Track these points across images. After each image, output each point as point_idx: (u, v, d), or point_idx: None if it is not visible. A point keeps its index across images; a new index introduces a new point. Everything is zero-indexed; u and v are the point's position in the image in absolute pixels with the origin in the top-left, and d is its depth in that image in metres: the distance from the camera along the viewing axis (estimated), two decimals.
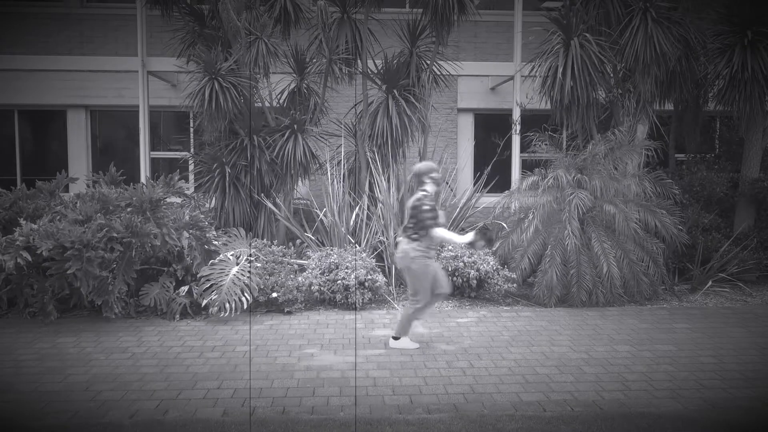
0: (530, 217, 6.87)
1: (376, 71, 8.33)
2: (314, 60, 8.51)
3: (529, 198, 6.93)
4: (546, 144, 7.19)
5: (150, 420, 3.74)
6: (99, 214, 5.74)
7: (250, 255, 6.44)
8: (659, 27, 6.99)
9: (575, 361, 4.81)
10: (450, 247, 6.83)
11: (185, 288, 6.05)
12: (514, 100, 9.15)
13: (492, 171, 8.74)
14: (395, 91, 7.97)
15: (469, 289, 6.65)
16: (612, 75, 7.61)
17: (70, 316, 6.04)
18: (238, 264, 6.23)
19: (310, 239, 7.49)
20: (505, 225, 7.43)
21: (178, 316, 5.92)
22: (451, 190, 8.68)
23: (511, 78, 9.57)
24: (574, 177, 6.77)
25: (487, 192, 8.27)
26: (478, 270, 6.49)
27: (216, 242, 6.47)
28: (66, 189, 8.04)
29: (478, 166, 10.90)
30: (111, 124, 11.09)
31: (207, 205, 7.79)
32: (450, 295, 6.85)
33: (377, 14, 8.49)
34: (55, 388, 4.23)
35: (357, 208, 7.64)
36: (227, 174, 7.71)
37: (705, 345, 5.25)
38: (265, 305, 6.28)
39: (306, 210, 8.49)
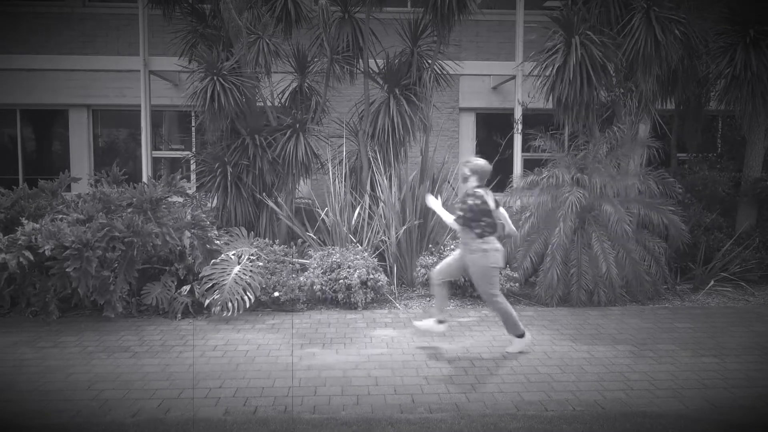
0: (526, 215, 6.88)
1: (377, 70, 8.32)
2: (316, 59, 8.51)
3: (528, 197, 6.92)
4: (547, 142, 7.18)
5: (152, 419, 3.74)
6: (101, 214, 5.75)
7: (252, 254, 6.44)
8: (661, 25, 6.97)
9: (577, 361, 4.81)
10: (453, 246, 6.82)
11: (187, 287, 6.06)
12: (515, 99, 9.13)
13: (494, 170, 8.70)
14: (397, 90, 7.97)
15: (471, 289, 6.64)
16: (613, 74, 7.60)
17: (72, 315, 6.04)
18: (239, 263, 6.24)
19: (312, 238, 7.49)
20: None
21: (179, 315, 5.93)
22: (453, 189, 8.66)
23: (513, 77, 9.56)
24: (573, 176, 6.76)
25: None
26: None
27: (218, 241, 6.47)
28: (68, 188, 8.05)
29: None
30: (113, 124, 11.10)
31: (209, 205, 7.79)
32: (452, 295, 6.85)
33: (378, 13, 8.48)
34: (57, 387, 4.24)
35: (359, 208, 7.64)
36: (229, 173, 7.71)
37: (707, 344, 5.24)
38: (267, 304, 6.28)
39: (308, 209, 8.48)
